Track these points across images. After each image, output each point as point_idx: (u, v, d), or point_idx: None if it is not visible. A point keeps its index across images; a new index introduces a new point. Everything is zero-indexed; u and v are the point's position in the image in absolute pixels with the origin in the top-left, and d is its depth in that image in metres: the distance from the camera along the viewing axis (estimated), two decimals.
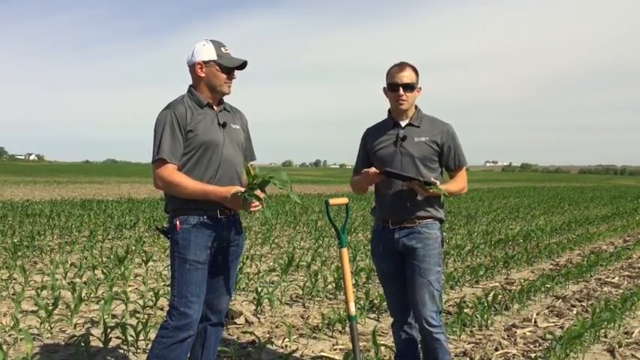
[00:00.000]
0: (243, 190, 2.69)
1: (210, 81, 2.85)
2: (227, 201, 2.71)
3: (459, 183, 3.11)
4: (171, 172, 2.73)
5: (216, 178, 2.81)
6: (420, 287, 2.98)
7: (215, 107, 2.89)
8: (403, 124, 3.07)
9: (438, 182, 2.96)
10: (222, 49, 2.86)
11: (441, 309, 3.08)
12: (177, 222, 2.78)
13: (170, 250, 2.86)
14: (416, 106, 3.11)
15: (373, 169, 2.97)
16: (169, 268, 2.89)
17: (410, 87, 3.01)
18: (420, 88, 3.08)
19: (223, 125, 2.87)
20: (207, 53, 2.83)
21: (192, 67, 2.87)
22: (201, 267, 2.79)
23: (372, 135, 3.18)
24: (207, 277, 2.87)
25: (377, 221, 3.19)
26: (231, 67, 2.86)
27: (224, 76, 2.85)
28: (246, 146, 3.04)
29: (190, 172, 2.77)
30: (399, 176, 2.98)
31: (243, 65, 2.90)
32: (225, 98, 2.96)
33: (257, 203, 2.69)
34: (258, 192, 2.67)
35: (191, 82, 2.91)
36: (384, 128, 3.14)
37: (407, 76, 3.01)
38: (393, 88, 3.02)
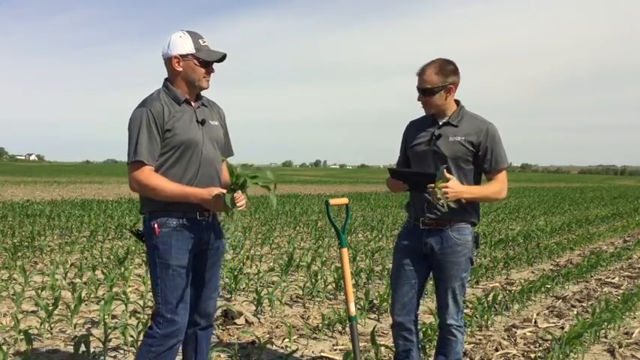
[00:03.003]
0: (225, 191, 2.55)
1: (188, 76, 2.68)
2: (209, 203, 2.58)
3: (492, 186, 2.93)
4: (148, 174, 2.58)
5: (197, 179, 2.68)
6: (444, 292, 3.02)
7: (193, 103, 2.74)
8: (441, 122, 2.98)
9: (446, 174, 2.75)
10: (201, 41, 2.69)
11: (462, 308, 3.07)
12: (156, 225, 2.64)
13: (148, 255, 2.72)
14: (458, 102, 2.99)
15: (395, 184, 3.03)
16: (149, 273, 2.76)
17: (428, 92, 2.90)
18: (451, 87, 2.91)
19: (202, 122, 2.72)
20: (185, 46, 2.65)
21: (168, 60, 2.69)
22: (184, 271, 2.67)
23: (412, 130, 3.11)
24: (192, 281, 2.78)
25: (409, 218, 3.14)
26: (210, 61, 2.70)
27: (203, 70, 2.68)
28: (225, 142, 2.90)
29: (168, 174, 2.63)
30: (404, 174, 2.97)
31: (222, 58, 2.73)
32: (203, 92, 2.80)
33: (243, 203, 2.54)
34: (238, 194, 2.52)
35: (166, 76, 2.74)
36: (423, 124, 3.05)
37: (425, 81, 2.90)
38: (417, 91, 2.95)
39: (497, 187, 2.93)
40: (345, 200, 3.26)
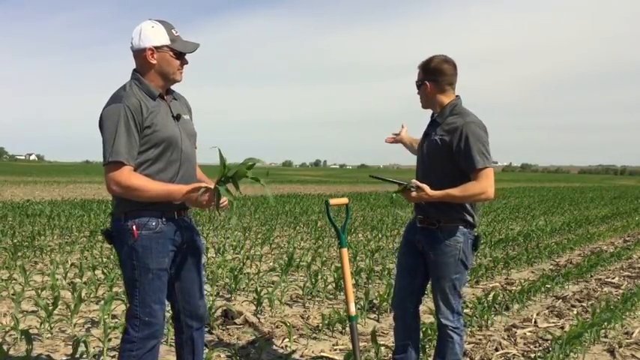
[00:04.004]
0: (211, 186, 2.45)
1: (163, 68, 2.54)
2: (195, 200, 2.45)
3: (468, 187, 2.81)
4: (128, 175, 2.42)
5: (178, 178, 2.57)
6: (435, 290, 3.03)
7: (165, 97, 2.61)
8: (432, 119, 3.05)
9: (414, 184, 2.86)
10: (174, 31, 2.56)
11: (458, 310, 3.01)
12: (134, 227, 2.49)
13: (123, 257, 2.57)
14: (459, 98, 2.98)
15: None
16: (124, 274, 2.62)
17: (416, 86, 3.02)
18: (427, 83, 2.94)
19: (177, 118, 2.60)
20: (159, 37, 2.51)
21: (140, 52, 2.53)
22: (163, 274, 2.58)
23: None
24: (178, 285, 2.73)
25: (413, 216, 3.20)
26: (184, 52, 2.58)
27: (177, 62, 2.56)
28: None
29: (148, 173, 2.50)
30: (380, 179, 3.13)
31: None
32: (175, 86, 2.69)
33: (226, 199, 2.47)
34: (228, 186, 2.42)
35: (136, 68, 2.59)
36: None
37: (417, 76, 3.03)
38: None
39: (474, 188, 2.81)
40: (345, 200, 3.27)
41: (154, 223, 2.53)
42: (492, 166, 2.85)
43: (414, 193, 2.87)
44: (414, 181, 2.89)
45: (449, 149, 2.85)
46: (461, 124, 2.84)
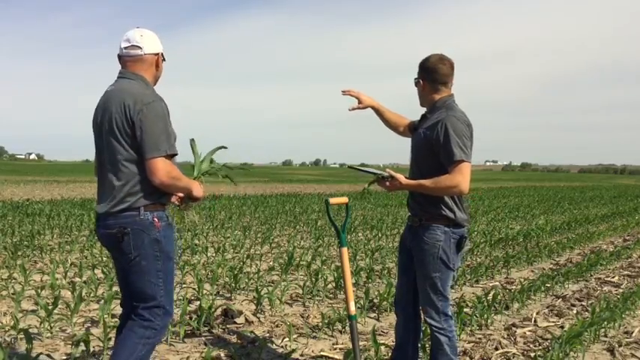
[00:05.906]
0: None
1: (160, 72, 2.79)
2: (199, 192, 2.75)
3: (439, 180, 2.79)
4: (174, 166, 2.60)
5: None
6: (419, 289, 3.03)
7: None
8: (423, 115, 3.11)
9: (389, 173, 2.92)
10: None
11: (444, 311, 2.96)
12: (155, 219, 2.63)
13: (145, 249, 2.61)
14: (451, 96, 2.97)
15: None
16: (139, 270, 2.64)
17: (414, 84, 3.06)
18: (420, 82, 2.99)
19: None
20: (160, 44, 2.76)
21: (152, 56, 2.71)
22: (175, 261, 2.78)
23: None
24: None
25: None
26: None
27: None
28: None
29: None
30: (359, 170, 3.14)
31: None
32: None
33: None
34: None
35: (129, 71, 2.71)
36: None
37: None
38: None
39: (446, 180, 2.77)
40: (344, 199, 3.27)
41: (165, 215, 2.71)
42: (470, 162, 2.82)
43: (388, 183, 2.92)
44: (388, 170, 2.95)
45: (431, 143, 2.86)
46: (443, 117, 2.85)
